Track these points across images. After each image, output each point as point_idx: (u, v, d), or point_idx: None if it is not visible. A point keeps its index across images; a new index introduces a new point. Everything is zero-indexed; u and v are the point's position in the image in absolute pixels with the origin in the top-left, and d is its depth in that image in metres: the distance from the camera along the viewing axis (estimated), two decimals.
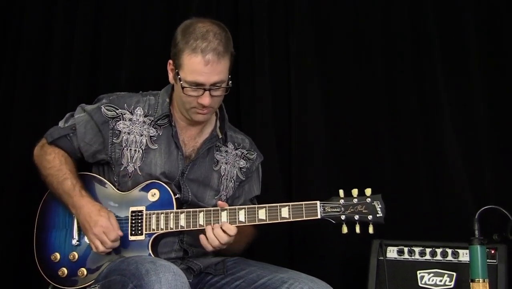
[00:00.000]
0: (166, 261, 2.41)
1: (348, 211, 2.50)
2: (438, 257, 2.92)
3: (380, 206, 2.50)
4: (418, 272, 2.93)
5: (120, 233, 2.56)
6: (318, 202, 2.51)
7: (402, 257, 2.97)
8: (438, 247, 2.93)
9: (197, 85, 2.50)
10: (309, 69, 3.39)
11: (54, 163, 2.66)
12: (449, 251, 2.91)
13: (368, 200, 2.50)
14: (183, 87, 2.53)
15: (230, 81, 2.60)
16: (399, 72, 3.36)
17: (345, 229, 2.50)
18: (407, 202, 3.25)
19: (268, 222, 2.53)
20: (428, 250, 2.94)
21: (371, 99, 3.39)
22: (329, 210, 2.50)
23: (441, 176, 3.27)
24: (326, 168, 3.35)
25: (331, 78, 3.42)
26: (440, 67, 3.29)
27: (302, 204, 2.50)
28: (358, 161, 3.34)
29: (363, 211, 2.50)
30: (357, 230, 2.51)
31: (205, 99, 2.53)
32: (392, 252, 2.99)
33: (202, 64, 2.48)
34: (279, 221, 2.52)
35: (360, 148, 3.36)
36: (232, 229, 2.50)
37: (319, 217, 2.50)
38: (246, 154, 2.85)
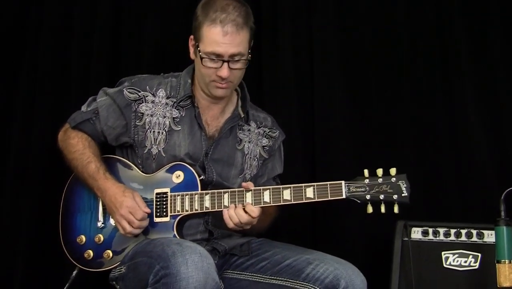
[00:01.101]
0: (192, 242, 2.41)
1: (373, 191, 2.48)
2: (463, 238, 2.92)
3: (405, 185, 2.48)
4: (442, 253, 2.93)
5: (147, 210, 2.54)
6: (343, 182, 2.49)
7: (426, 238, 2.97)
8: (463, 228, 2.92)
9: (216, 56, 2.50)
10: (332, 48, 3.38)
11: (78, 147, 2.67)
12: (474, 232, 2.91)
13: (393, 179, 2.48)
14: (202, 58, 2.53)
15: (250, 55, 2.59)
16: (423, 55, 3.34)
17: (370, 209, 2.49)
18: (432, 183, 3.24)
19: (293, 202, 2.52)
20: (452, 231, 2.93)
21: (394, 81, 3.37)
22: (354, 190, 2.49)
23: (466, 157, 3.25)
24: (349, 149, 3.34)
25: (353, 59, 3.41)
26: (464, 49, 3.27)
27: (327, 184, 2.49)
28: (381, 143, 3.32)
29: (388, 191, 2.48)
30: (382, 209, 2.49)
31: (224, 71, 2.52)
32: (416, 233, 2.99)
33: (220, 35, 2.47)
34: (304, 201, 2.51)
35: (384, 129, 3.34)
36: (255, 211, 2.49)
37: (344, 197, 2.48)
38: (269, 132, 2.84)
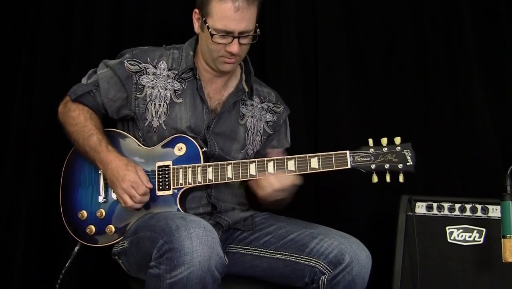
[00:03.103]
0: (196, 216, 2.38)
1: (378, 160, 2.46)
2: (468, 213, 2.88)
3: (410, 154, 2.45)
4: (447, 227, 2.89)
5: (150, 185, 2.50)
6: (347, 152, 2.46)
7: (431, 212, 2.93)
8: (468, 203, 2.89)
9: (227, 32, 2.46)
10: (336, 23, 3.34)
11: (79, 120, 2.62)
12: (479, 207, 2.87)
13: (398, 148, 2.46)
14: (212, 35, 2.49)
15: (258, 30, 2.55)
16: (430, 35, 3.31)
17: (375, 179, 2.46)
18: (436, 157, 3.21)
19: (297, 172, 2.49)
20: (457, 206, 2.90)
21: (401, 58, 3.34)
22: (359, 160, 2.46)
23: (470, 131, 3.21)
24: (353, 124, 3.30)
25: (359, 35, 3.37)
26: (471, 34, 3.25)
27: (331, 154, 2.47)
28: (386, 117, 3.28)
29: (393, 160, 2.45)
30: (387, 179, 2.46)
31: (234, 47, 2.49)
32: (421, 208, 2.95)
33: (232, 11, 2.43)
34: (308, 172, 2.48)
35: (388, 103, 3.31)
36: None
37: (349, 166, 2.45)
38: (273, 107, 2.81)
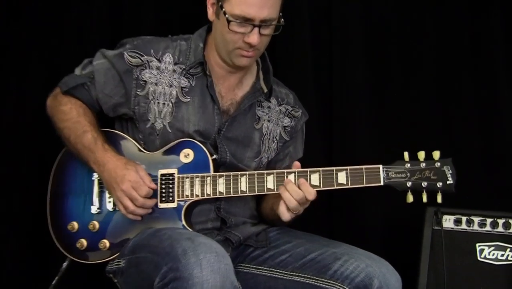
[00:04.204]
0: (205, 237, 2.09)
1: (415, 177, 2.17)
2: (500, 229, 2.67)
3: (450, 171, 2.17)
4: (477, 244, 2.67)
5: (153, 186, 2.22)
6: (381, 166, 2.17)
7: (459, 227, 2.71)
8: (500, 218, 2.67)
9: (246, 20, 2.17)
10: (353, 21, 3.06)
11: (71, 115, 2.33)
12: None
13: (438, 164, 2.17)
14: (228, 21, 2.18)
15: (282, 19, 2.24)
16: (450, 28, 2.99)
17: (410, 198, 2.18)
18: (464, 166, 2.89)
19: (322, 188, 2.19)
20: (488, 221, 2.68)
21: (418, 56, 3.05)
22: (393, 176, 2.17)
23: (501, 138, 2.97)
24: (369, 128, 3.06)
25: (375, 30, 3.09)
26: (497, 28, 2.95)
27: (362, 168, 2.17)
28: (404, 121, 3.03)
29: (432, 177, 2.17)
30: (424, 199, 2.18)
31: (254, 38, 2.19)
32: (448, 222, 2.73)
33: None
34: (335, 187, 2.18)
35: (409, 108, 3.04)
36: (312, 193, 2.15)
37: (381, 183, 2.17)
38: (291, 111, 2.50)
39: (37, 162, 2.79)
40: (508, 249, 2.62)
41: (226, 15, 2.18)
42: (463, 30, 3.03)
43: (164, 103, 2.33)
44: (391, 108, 3.04)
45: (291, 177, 2.20)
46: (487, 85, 3.01)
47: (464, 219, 2.69)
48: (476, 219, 2.67)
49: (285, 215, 2.19)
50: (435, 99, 3.02)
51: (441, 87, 3.05)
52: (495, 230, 2.65)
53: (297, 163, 2.22)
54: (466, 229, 2.68)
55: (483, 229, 2.66)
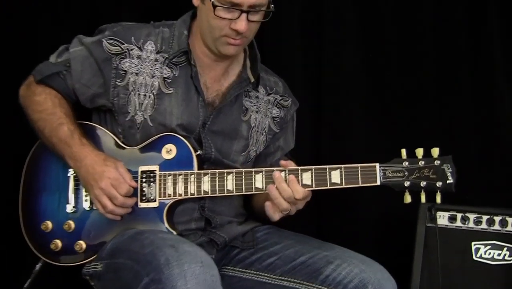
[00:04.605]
0: (190, 244, 1.96)
1: (413, 176, 2.05)
2: (496, 227, 2.54)
3: (450, 170, 2.05)
4: (472, 243, 2.55)
5: (133, 184, 2.09)
6: (377, 165, 2.04)
7: (454, 224, 2.59)
8: (496, 215, 2.55)
9: (233, 5, 2.02)
10: (346, 4, 2.89)
11: (45, 105, 2.19)
12: (510, 220, 2.51)
13: (437, 162, 2.04)
14: (214, 7, 2.03)
15: (272, 5, 2.09)
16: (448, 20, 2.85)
17: (408, 198, 2.06)
18: (459, 160, 2.79)
19: (314, 188, 2.06)
20: (484, 218, 2.56)
21: (415, 46, 2.89)
22: (390, 175, 2.05)
23: (497, 136, 2.84)
24: (362, 119, 2.90)
25: (369, 18, 2.92)
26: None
27: (357, 167, 2.04)
28: (399, 113, 2.88)
29: (431, 176, 2.05)
30: (423, 199, 2.07)
31: (241, 24, 2.04)
32: (442, 219, 2.60)
33: None
34: (328, 187, 2.05)
35: (406, 100, 2.89)
36: (300, 192, 2.02)
37: (378, 183, 2.04)
38: (280, 100, 2.35)
39: (10, 155, 2.61)
40: (505, 248, 2.52)
41: (212, 0, 2.02)
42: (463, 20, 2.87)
43: (145, 95, 2.18)
44: (386, 99, 2.89)
45: (282, 174, 2.06)
46: (486, 81, 2.87)
47: (459, 216, 2.57)
48: (472, 216, 2.55)
49: (274, 215, 2.06)
50: (434, 91, 2.87)
51: (440, 78, 2.89)
52: (492, 228, 2.53)
53: (287, 162, 2.07)
54: (461, 227, 2.57)
55: (479, 226, 2.54)
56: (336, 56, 2.89)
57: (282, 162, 2.08)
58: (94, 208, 2.15)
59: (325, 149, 2.88)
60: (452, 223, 2.58)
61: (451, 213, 2.57)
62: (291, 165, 2.07)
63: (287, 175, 2.06)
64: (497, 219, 2.54)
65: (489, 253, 2.52)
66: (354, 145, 2.85)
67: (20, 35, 2.79)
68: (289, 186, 2.02)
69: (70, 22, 2.77)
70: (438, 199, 2.06)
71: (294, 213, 2.08)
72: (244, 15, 2.04)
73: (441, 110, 2.87)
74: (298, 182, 2.03)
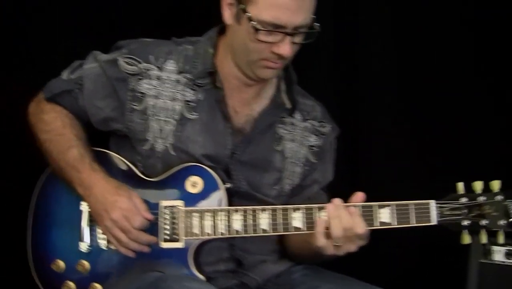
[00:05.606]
0: None
1: (473, 214, 1.82)
2: None
3: None
4: None
5: (149, 216, 1.89)
6: (432, 202, 1.81)
7: (511, 261, 2.31)
8: None
9: (276, 27, 1.80)
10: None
11: (54, 125, 2.02)
12: None
13: (499, 197, 1.81)
14: (256, 30, 1.80)
15: (318, 24, 1.86)
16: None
17: (467, 239, 1.83)
18: None
19: None
20: None
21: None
22: (447, 213, 1.82)
23: None
24: (404, 147, 2.69)
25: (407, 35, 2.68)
26: None
27: (409, 204, 1.81)
28: (449, 142, 2.64)
29: (493, 214, 1.82)
30: (483, 239, 1.83)
31: (285, 48, 1.83)
32: (497, 254, 2.33)
33: None
34: (377, 227, 1.83)
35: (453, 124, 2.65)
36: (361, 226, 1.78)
37: (434, 222, 1.81)
38: (318, 127, 2.12)
39: (17, 183, 2.40)
40: None
41: (252, 21, 1.80)
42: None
43: (165, 120, 1.97)
44: (429, 124, 2.66)
45: (323, 213, 1.82)
46: None
47: None
48: None
49: (319, 238, 1.80)
50: (491, 110, 2.60)
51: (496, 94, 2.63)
52: None
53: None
54: None
55: None
56: (373, 73, 2.68)
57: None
58: (112, 246, 1.94)
59: (361, 181, 2.64)
60: (509, 258, 2.32)
61: (508, 248, 2.31)
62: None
63: None
64: None
65: None
66: (392, 175, 2.62)
67: (32, 48, 2.58)
68: (351, 217, 1.78)
69: (84, 34, 2.55)
70: (501, 239, 1.84)
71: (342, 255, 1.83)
72: (288, 38, 1.83)
73: (500, 136, 2.62)
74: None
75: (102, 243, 1.97)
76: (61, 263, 1.99)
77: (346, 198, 1.86)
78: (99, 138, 2.10)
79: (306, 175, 2.10)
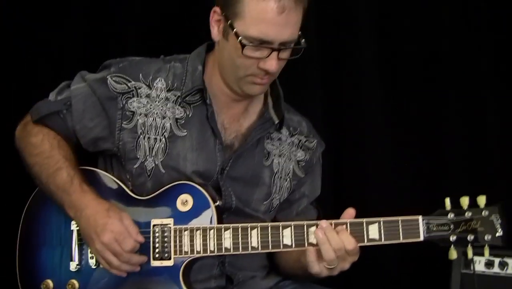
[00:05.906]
0: None
1: (459, 230, 1.84)
2: None
3: (499, 221, 1.84)
4: None
5: (140, 239, 1.88)
6: (420, 218, 1.83)
7: (491, 271, 2.39)
8: None
9: (263, 42, 1.82)
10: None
11: (42, 148, 2.00)
12: None
13: (485, 213, 1.83)
14: (243, 46, 1.81)
15: (303, 39, 1.88)
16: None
17: (454, 254, 1.85)
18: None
19: None
20: None
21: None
22: (434, 229, 1.83)
23: None
24: (386, 157, 2.72)
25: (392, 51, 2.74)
26: None
27: (397, 220, 1.83)
28: (435, 156, 2.70)
29: (479, 229, 1.83)
30: (470, 254, 1.85)
31: (271, 64, 1.85)
32: (478, 264, 2.39)
33: (274, 12, 1.79)
34: (365, 244, 1.83)
35: (437, 138, 2.70)
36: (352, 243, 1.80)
37: (421, 239, 1.83)
38: (305, 142, 2.14)
39: (6, 204, 2.39)
40: None
41: (239, 37, 1.81)
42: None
43: (155, 138, 1.97)
44: (415, 138, 2.70)
45: (312, 230, 1.84)
46: None
47: (496, 261, 2.38)
48: (511, 261, 2.34)
49: (315, 266, 1.82)
50: (472, 126, 2.66)
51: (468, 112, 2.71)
52: None
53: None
54: (499, 273, 2.38)
55: None
56: (357, 87, 2.70)
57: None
58: (101, 266, 1.93)
59: (345, 196, 2.67)
60: (489, 268, 2.40)
61: (488, 258, 2.38)
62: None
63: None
64: None
65: None
66: (381, 191, 2.65)
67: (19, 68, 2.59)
68: (339, 236, 1.79)
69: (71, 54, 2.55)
70: (487, 253, 1.86)
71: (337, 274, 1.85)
72: (274, 54, 1.84)
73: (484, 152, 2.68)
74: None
75: (92, 262, 1.96)
76: (50, 283, 1.99)
77: (331, 212, 1.89)
78: (88, 157, 2.09)
79: (294, 190, 2.13)
